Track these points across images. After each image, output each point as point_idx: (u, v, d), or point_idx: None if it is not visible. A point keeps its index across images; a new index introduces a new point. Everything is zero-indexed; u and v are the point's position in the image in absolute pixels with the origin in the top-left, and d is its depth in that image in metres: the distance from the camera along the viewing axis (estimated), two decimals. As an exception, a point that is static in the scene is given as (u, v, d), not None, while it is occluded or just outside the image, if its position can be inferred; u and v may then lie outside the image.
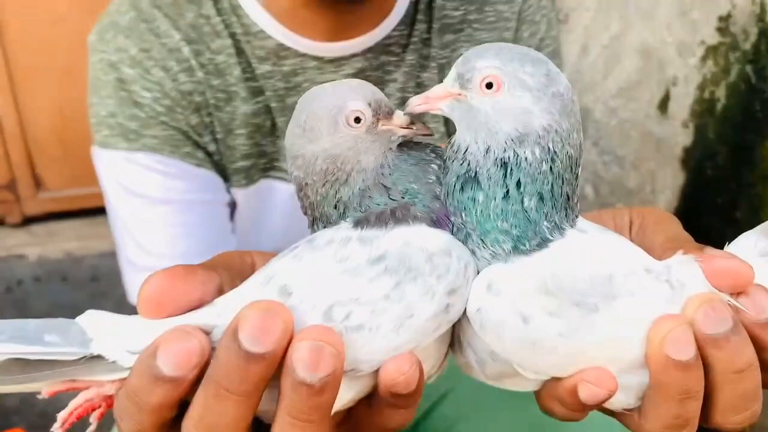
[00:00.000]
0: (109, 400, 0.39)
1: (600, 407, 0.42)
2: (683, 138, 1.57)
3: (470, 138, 0.40)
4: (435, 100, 0.41)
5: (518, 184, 0.39)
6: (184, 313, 0.37)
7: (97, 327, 0.37)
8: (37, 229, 1.60)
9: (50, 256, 1.50)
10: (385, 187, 0.41)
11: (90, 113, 0.83)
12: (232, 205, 0.87)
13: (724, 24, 1.41)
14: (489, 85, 0.39)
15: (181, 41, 0.79)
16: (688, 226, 1.31)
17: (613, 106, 1.69)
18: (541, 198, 0.39)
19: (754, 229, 0.45)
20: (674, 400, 0.39)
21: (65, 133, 1.58)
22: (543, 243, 0.39)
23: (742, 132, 1.40)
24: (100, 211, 1.61)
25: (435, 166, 0.42)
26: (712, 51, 1.45)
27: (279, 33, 0.79)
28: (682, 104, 1.56)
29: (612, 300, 0.38)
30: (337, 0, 0.73)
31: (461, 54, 0.41)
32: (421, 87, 0.86)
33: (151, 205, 0.80)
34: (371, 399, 0.40)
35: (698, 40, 1.48)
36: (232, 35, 0.80)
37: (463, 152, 0.40)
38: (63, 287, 1.56)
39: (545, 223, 0.40)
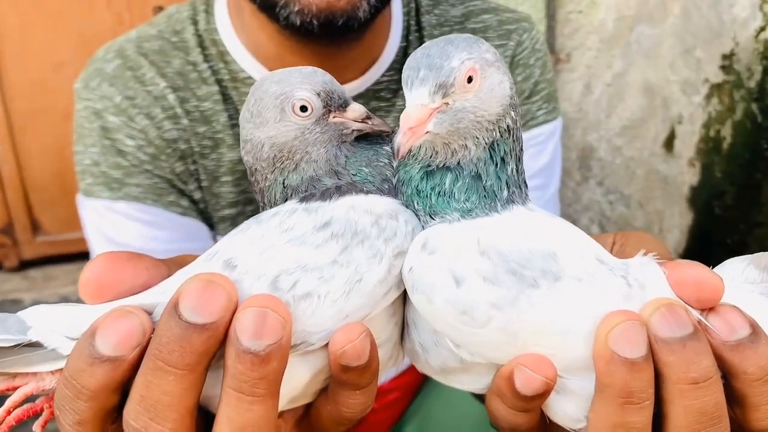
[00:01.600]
0: (48, 408, 0.37)
1: (538, 420, 0.39)
2: (690, 177, 1.56)
3: (459, 139, 0.38)
4: (421, 126, 0.37)
5: (502, 157, 0.39)
6: (121, 296, 0.36)
7: (36, 316, 0.35)
8: (34, 273, 1.61)
9: (46, 301, 1.49)
10: (335, 172, 0.40)
11: (75, 161, 0.82)
12: None
13: (727, 62, 1.40)
14: (470, 79, 0.37)
15: (167, 88, 0.78)
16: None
17: (617, 145, 1.68)
18: (516, 162, 0.40)
19: (746, 256, 0.43)
20: (616, 403, 0.35)
21: (63, 177, 1.60)
22: (490, 212, 0.38)
23: (750, 171, 1.39)
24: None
25: (387, 149, 0.41)
26: (716, 89, 1.44)
27: None
28: (688, 142, 1.55)
29: (555, 281, 0.36)
30: (318, 32, 0.68)
31: None
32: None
33: None
34: (327, 389, 0.39)
35: (702, 78, 1.47)
36: (219, 82, 0.79)
37: (460, 156, 0.39)
38: None
39: (503, 194, 0.39)
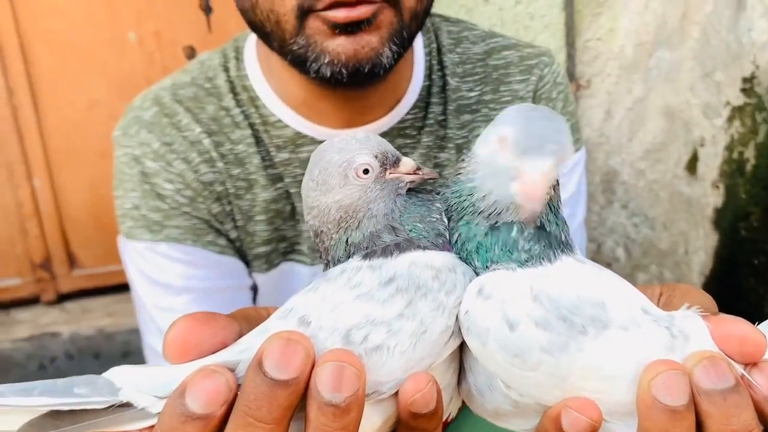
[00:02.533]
0: None
1: None
2: (714, 199, 1.57)
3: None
4: (545, 183, 0.39)
5: (556, 205, 0.42)
6: (208, 356, 0.39)
7: (124, 377, 0.38)
8: (71, 306, 1.65)
9: (83, 333, 1.54)
10: (393, 228, 0.43)
11: (116, 205, 0.86)
12: (254, 289, 0.88)
13: (748, 85, 1.42)
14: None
15: (202, 133, 0.82)
16: (725, 288, 1.28)
17: (640, 168, 1.69)
18: (561, 216, 0.43)
19: None
20: None
21: (99, 212, 1.65)
22: (543, 262, 0.40)
23: None
24: (127, 288, 1.67)
25: (439, 205, 0.44)
26: (738, 111, 1.45)
27: (296, 122, 0.81)
28: (711, 165, 1.56)
29: (603, 328, 0.38)
30: (347, 81, 0.72)
31: (479, 133, 0.43)
32: (438, 167, 0.87)
33: (173, 295, 0.82)
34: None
35: (723, 101, 1.49)
36: (251, 125, 0.83)
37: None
38: (95, 364, 1.60)
39: (562, 238, 0.42)
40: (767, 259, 1.44)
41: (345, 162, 0.43)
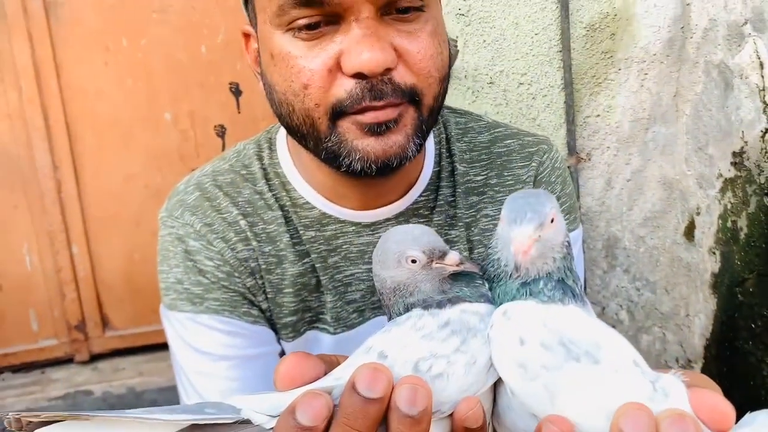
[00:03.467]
0: None
1: None
2: (711, 264, 1.64)
3: (541, 262, 0.53)
4: (528, 249, 0.52)
5: (571, 265, 0.55)
6: (306, 385, 0.51)
7: (242, 402, 0.50)
8: (103, 365, 1.72)
9: (114, 392, 1.61)
10: (443, 291, 0.55)
11: (159, 278, 0.94)
12: (282, 355, 0.96)
13: (738, 159, 1.51)
14: (552, 220, 0.53)
15: (239, 215, 0.90)
16: (726, 351, 1.34)
17: (640, 235, 1.77)
18: (574, 270, 0.56)
19: None
20: None
21: (131, 277, 1.74)
22: (557, 303, 0.52)
23: (767, 259, 1.46)
24: (160, 347, 1.75)
25: (480, 281, 0.57)
26: (730, 183, 1.54)
27: (321, 204, 0.89)
28: (707, 232, 1.64)
29: (594, 363, 0.48)
30: (375, 174, 0.80)
31: (485, 213, 0.56)
32: (449, 243, 0.95)
33: (212, 362, 0.89)
34: None
35: (716, 173, 1.58)
36: (282, 207, 0.90)
37: (541, 271, 0.53)
38: None
39: (573, 292, 0.53)
40: (764, 323, 1.50)
41: (398, 251, 0.56)
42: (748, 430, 0.48)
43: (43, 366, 1.74)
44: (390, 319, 0.57)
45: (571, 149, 1.66)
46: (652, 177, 1.74)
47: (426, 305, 0.54)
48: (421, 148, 0.80)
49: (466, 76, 1.58)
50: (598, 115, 1.68)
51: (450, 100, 1.52)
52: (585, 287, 1.75)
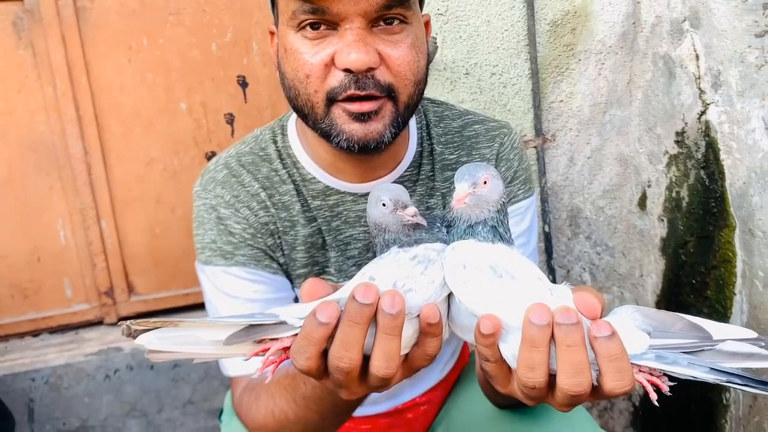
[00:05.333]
0: (284, 354, 0.71)
1: (498, 356, 0.70)
2: (660, 230, 1.82)
3: (478, 211, 0.74)
4: (463, 198, 0.73)
5: (503, 217, 0.75)
6: (322, 297, 0.72)
7: (280, 311, 0.71)
8: None
9: (141, 349, 1.78)
10: (408, 235, 0.76)
11: (195, 240, 1.12)
12: (296, 300, 1.13)
13: (680, 138, 1.69)
14: (485, 182, 0.73)
15: (259, 188, 1.07)
16: (673, 305, 1.57)
17: (600, 205, 1.96)
18: (507, 222, 0.76)
19: (637, 306, 0.74)
20: (528, 346, 0.65)
21: (154, 249, 1.90)
22: (492, 242, 0.73)
23: (704, 224, 1.65)
24: (179, 309, 1.94)
25: (438, 228, 0.77)
26: (674, 159, 1.73)
27: (325, 178, 1.06)
28: (657, 202, 1.83)
29: (512, 278, 0.69)
30: (357, 152, 0.97)
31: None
32: (429, 210, 1.14)
33: (242, 303, 1.04)
34: (417, 342, 0.72)
35: (663, 150, 1.76)
36: (293, 181, 1.08)
37: (473, 215, 0.74)
38: (150, 374, 1.83)
39: (503, 236, 0.74)
40: (702, 278, 1.68)
41: (376, 196, 0.77)
42: (612, 317, 0.70)
43: (77, 328, 1.92)
44: (376, 254, 0.78)
45: (538, 131, 1.83)
46: (609, 154, 1.91)
47: (401, 245, 0.75)
48: (396, 136, 0.97)
49: (444, 68, 1.74)
50: (562, 101, 1.84)
51: (431, 89, 1.74)
52: (551, 252, 1.94)
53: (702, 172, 1.64)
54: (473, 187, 0.73)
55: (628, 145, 1.89)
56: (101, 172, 1.82)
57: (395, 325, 0.68)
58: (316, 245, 1.10)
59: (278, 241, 1.09)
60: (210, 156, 1.87)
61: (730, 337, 0.68)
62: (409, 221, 0.76)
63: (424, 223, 0.76)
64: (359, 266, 1.12)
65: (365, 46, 0.90)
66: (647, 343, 0.68)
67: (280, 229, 1.09)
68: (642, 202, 1.89)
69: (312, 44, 0.93)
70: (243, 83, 1.84)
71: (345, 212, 1.10)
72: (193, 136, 1.87)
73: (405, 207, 0.76)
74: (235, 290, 1.07)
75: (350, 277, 1.14)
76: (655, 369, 0.68)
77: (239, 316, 0.70)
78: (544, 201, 1.88)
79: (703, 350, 0.68)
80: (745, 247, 1.53)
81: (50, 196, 1.83)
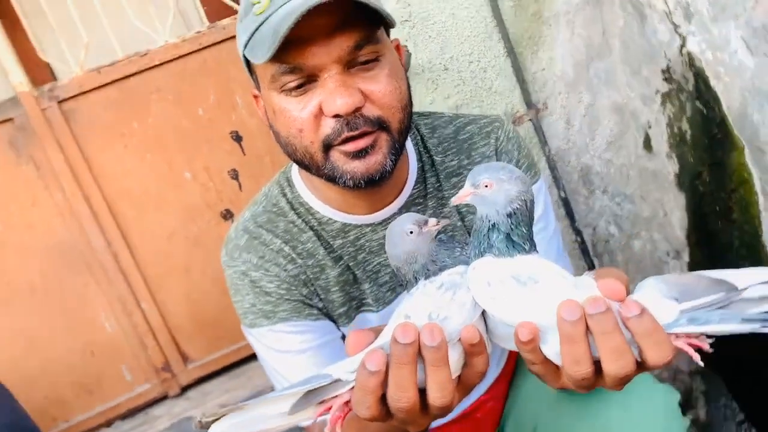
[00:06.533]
0: (347, 407, 0.74)
1: (543, 358, 0.72)
2: (671, 167, 1.84)
3: (485, 210, 0.75)
4: (463, 196, 0.76)
5: (518, 223, 0.75)
6: (367, 347, 0.75)
7: (331, 369, 0.74)
8: (193, 393, 1.95)
9: (209, 411, 1.84)
10: (434, 262, 0.78)
11: (236, 307, 1.15)
12: (343, 337, 1.15)
13: (667, 75, 1.70)
14: (486, 185, 0.75)
15: (282, 243, 1.10)
16: (702, 234, 1.58)
17: (607, 158, 1.97)
18: (523, 228, 0.75)
19: (658, 276, 0.75)
20: (567, 343, 0.68)
21: (196, 315, 1.96)
22: (506, 257, 0.74)
23: (712, 152, 1.67)
24: (235, 365, 1.99)
25: (459, 250, 0.80)
26: (667, 96, 1.74)
27: (340, 217, 1.09)
28: (661, 141, 1.84)
29: (536, 283, 0.71)
30: (365, 187, 1.00)
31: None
32: (445, 217, 1.17)
33: (294, 356, 1.08)
34: (465, 364, 0.75)
35: (654, 90, 1.77)
36: (311, 228, 1.11)
37: (484, 217, 0.76)
38: None
39: (519, 246, 0.74)
40: (723, 203, 1.70)
41: (401, 230, 0.80)
42: (638, 294, 0.72)
43: (144, 408, 1.97)
44: (406, 288, 0.81)
45: (529, 104, 1.85)
46: (603, 107, 1.92)
47: (426, 276, 0.78)
48: (396, 161, 1.00)
49: (423, 70, 1.77)
50: (544, 69, 1.86)
51: (415, 95, 1.77)
52: (573, 215, 1.96)
53: (697, 103, 1.65)
54: (473, 188, 0.76)
55: (619, 94, 1.91)
56: (128, 258, 1.88)
57: (440, 356, 0.71)
58: (348, 282, 1.13)
59: (312, 288, 1.12)
60: (225, 214, 1.92)
61: (753, 282, 0.70)
62: (438, 228, 0.80)
63: (449, 222, 0.81)
64: (393, 290, 1.16)
65: (347, 90, 0.94)
66: (677, 310, 0.70)
67: (311, 276, 1.12)
68: (647, 145, 1.90)
69: (297, 101, 0.97)
70: (237, 137, 1.89)
71: (367, 243, 1.13)
72: (205, 200, 1.92)
73: (426, 222, 0.80)
74: (285, 345, 1.11)
75: (388, 303, 1.18)
76: (691, 332, 0.70)
77: (297, 385, 0.74)
78: (552, 169, 1.91)
79: (731, 302, 0.70)
80: (758, 165, 1.54)
81: (87, 292, 1.89)
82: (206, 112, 1.87)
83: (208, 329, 1.96)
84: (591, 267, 2.00)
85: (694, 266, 1.93)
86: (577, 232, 1.96)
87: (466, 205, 1.16)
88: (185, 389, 1.99)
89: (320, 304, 1.13)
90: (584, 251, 1.97)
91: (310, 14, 0.88)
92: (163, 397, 2.00)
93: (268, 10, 0.96)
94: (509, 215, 0.75)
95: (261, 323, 1.11)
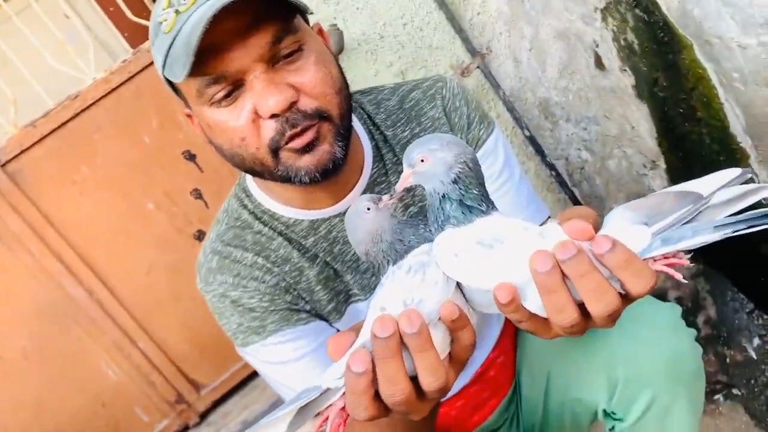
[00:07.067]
0: (344, 413, 0.73)
1: (528, 314, 0.70)
2: (627, 80, 1.81)
3: (430, 185, 0.74)
4: (405, 180, 0.75)
5: (466, 186, 0.74)
6: (349, 349, 0.73)
7: (319, 380, 0.72)
8: (214, 417, 1.95)
9: (233, 431, 1.85)
10: (400, 240, 0.76)
11: (224, 330, 1.13)
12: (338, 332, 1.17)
13: None
14: (422, 160, 0.74)
15: (254, 256, 1.07)
16: (673, 138, 1.57)
17: (563, 86, 1.95)
18: (474, 190, 0.74)
19: (622, 205, 0.73)
20: (546, 294, 0.67)
21: (196, 341, 1.95)
22: (466, 223, 0.73)
23: (663, 56, 1.65)
24: (246, 380, 1.99)
25: (423, 226, 0.77)
26: (606, 11, 1.70)
27: (305, 215, 1.07)
28: (612, 57, 1.81)
29: (501, 243, 0.70)
30: (322, 180, 0.98)
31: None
32: (410, 191, 1.14)
33: (293, 364, 1.06)
34: (452, 341, 0.73)
35: (592, 8, 1.74)
36: (280, 233, 1.08)
37: (433, 192, 0.74)
38: None
39: (475, 209, 0.73)
40: (686, 104, 1.69)
41: (357, 211, 0.78)
42: (606, 228, 0.70)
43: None
44: (378, 274, 0.79)
45: (472, 52, 1.83)
46: (547, 37, 1.89)
47: (396, 256, 0.76)
48: (346, 147, 0.98)
49: (359, 44, 1.75)
50: (479, 13, 1.84)
51: (357, 68, 1.74)
52: (542, 150, 1.95)
53: (637, 11, 1.63)
54: (411, 168, 0.75)
55: (559, 20, 1.87)
56: (113, 302, 1.87)
57: (423, 341, 0.69)
58: (330, 278, 1.11)
59: (295, 293, 1.10)
60: (198, 235, 1.90)
61: (717, 186, 0.68)
62: (394, 202, 0.79)
63: (404, 189, 0.78)
64: (377, 275, 1.14)
65: (276, 87, 0.91)
66: (648, 234, 0.68)
67: (291, 281, 1.10)
68: (599, 64, 1.88)
69: (229, 110, 0.94)
70: (190, 156, 1.87)
71: (340, 234, 1.11)
72: (174, 227, 1.90)
73: (380, 199, 0.78)
74: (281, 356, 1.09)
75: (374, 289, 1.16)
76: (667, 253, 0.68)
77: (288, 404, 0.72)
78: (511, 110, 1.89)
79: (700, 212, 0.68)
80: (709, 58, 1.53)
81: (81, 346, 1.87)
82: (152, 138, 1.85)
83: (212, 352, 1.95)
84: (572, 197, 1.99)
85: (671, 172, 1.93)
86: (551, 167, 1.94)
87: None
88: (204, 416, 1.99)
89: (307, 307, 1.11)
90: (562, 183, 1.95)
91: (219, 19, 0.85)
92: (185, 429, 2.00)
93: (176, 25, 0.92)
94: (455, 181, 0.74)
95: (253, 340, 1.09)
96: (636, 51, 1.72)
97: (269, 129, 0.93)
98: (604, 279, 0.67)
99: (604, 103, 1.96)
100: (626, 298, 0.70)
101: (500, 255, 0.70)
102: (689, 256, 0.69)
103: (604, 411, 1.19)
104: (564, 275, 0.67)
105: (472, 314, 0.76)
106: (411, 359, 0.70)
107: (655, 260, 0.69)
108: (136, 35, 1.83)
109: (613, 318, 0.70)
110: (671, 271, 0.69)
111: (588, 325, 0.72)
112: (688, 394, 1.14)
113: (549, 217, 1.19)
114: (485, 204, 0.75)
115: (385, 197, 0.78)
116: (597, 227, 0.71)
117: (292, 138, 0.94)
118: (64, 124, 1.76)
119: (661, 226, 0.68)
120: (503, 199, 1.14)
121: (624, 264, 0.66)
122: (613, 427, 1.21)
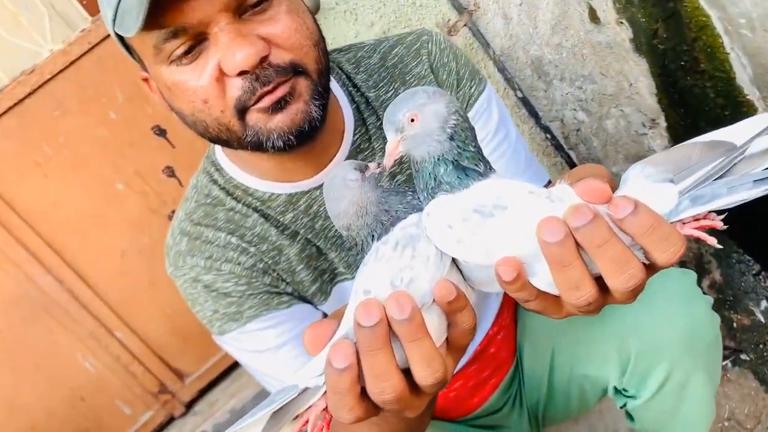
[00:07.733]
0: (327, 415, 0.63)
1: (536, 292, 0.61)
2: (625, 33, 1.72)
3: (423, 149, 0.64)
4: (394, 150, 0.65)
5: (463, 141, 0.64)
6: (329, 341, 0.63)
7: (296, 377, 0.62)
8: (200, 407, 1.89)
9: (221, 420, 1.78)
10: (386, 211, 0.66)
11: (198, 318, 1.05)
12: (324, 315, 1.08)
13: None
14: (412, 120, 0.63)
15: (227, 235, 0.99)
16: (674, 92, 1.49)
17: (556, 42, 1.85)
18: (471, 147, 0.64)
19: (642, 160, 0.63)
20: (558, 268, 0.57)
21: (176, 328, 1.88)
22: (461, 189, 0.63)
23: (663, 4, 1.56)
24: (230, 369, 1.92)
25: (411, 193, 0.67)
26: None
27: (282, 188, 0.98)
28: (607, 9, 1.71)
29: (504, 210, 0.60)
30: (297, 143, 0.89)
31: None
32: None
33: (275, 352, 0.98)
34: (449, 325, 0.64)
35: None
36: (255, 209, 1.00)
37: (426, 158, 0.64)
38: None
39: (471, 171, 0.63)
40: (689, 54, 1.61)
41: (341, 180, 0.68)
42: (626, 187, 0.60)
43: None
44: (361, 252, 0.69)
45: (459, 9, 1.73)
46: None
47: (378, 236, 0.66)
48: (324, 108, 0.88)
49: (336, 3, 1.64)
50: None
51: (334, 29, 1.62)
52: (536, 112, 1.85)
53: (633, -43, 1.52)
54: (400, 134, 0.64)
55: (550, -29, 1.77)
56: (86, 291, 1.79)
57: (416, 328, 0.59)
58: (312, 256, 1.03)
59: (275, 275, 1.02)
60: (172, 216, 1.79)
61: (753, 134, 0.58)
62: (380, 171, 0.69)
63: (391, 161, 0.68)
64: (363, 250, 1.05)
65: (245, 39, 0.81)
66: (675, 193, 0.59)
67: (269, 262, 1.01)
68: (593, 17, 1.78)
69: (191, 68, 0.83)
70: (160, 131, 1.78)
71: (321, 209, 1.02)
72: (148, 207, 1.82)
73: (367, 167, 0.69)
74: (261, 344, 1.01)
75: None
76: (698, 214, 0.59)
77: (262, 407, 0.62)
78: (502, 70, 1.79)
79: (734, 164, 0.58)
80: (714, 5, 1.43)
81: (55, 338, 1.80)
82: (119, 113, 1.76)
83: (195, 339, 1.89)
84: (568, 161, 1.90)
85: (673, 129, 1.84)
86: (545, 129, 1.85)
87: None
88: (190, 405, 1.93)
89: (289, 289, 1.03)
90: (557, 147, 1.86)
91: None
92: (170, 420, 1.94)
93: None
94: (451, 137, 0.64)
95: (230, 328, 1.01)
96: (633, 1, 1.62)
97: (235, 88, 0.83)
98: (625, 247, 0.57)
99: (599, 60, 1.86)
100: (650, 269, 0.60)
101: (502, 224, 0.60)
102: (722, 217, 0.60)
103: (615, 388, 1.11)
104: (578, 245, 0.57)
105: (471, 293, 0.66)
106: (402, 349, 0.60)
107: (684, 223, 0.60)
108: (95, 2, 1.69)
109: (635, 293, 0.60)
110: (704, 235, 0.60)
111: (606, 301, 0.62)
112: (706, 365, 1.07)
113: (549, 181, 1.08)
114: (482, 164, 0.64)
115: (372, 165, 0.69)
116: (613, 187, 0.62)
117: (262, 97, 0.83)
118: (21, 101, 1.65)
119: (689, 183, 0.59)
120: (499, 162, 1.05)
121: (648, 229, 0.57)
122: (624, 404, 1.14)
